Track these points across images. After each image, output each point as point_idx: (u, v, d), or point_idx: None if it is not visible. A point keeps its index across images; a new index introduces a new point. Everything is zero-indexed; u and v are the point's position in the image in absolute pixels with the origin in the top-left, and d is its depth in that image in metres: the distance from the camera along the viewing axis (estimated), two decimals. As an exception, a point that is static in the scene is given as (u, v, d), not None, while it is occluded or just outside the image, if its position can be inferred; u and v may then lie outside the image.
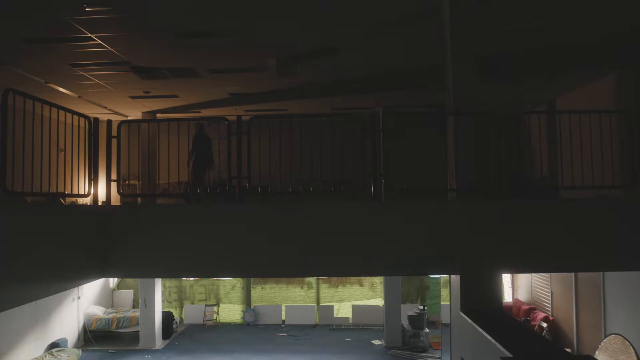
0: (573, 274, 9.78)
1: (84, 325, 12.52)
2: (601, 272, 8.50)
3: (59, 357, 10.51)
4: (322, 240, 5.53)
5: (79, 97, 10.39)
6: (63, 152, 5.25)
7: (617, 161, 6.26)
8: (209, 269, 6.02)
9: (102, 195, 6.36)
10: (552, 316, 10.85)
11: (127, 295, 14.40)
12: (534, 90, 10.32)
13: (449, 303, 6.50)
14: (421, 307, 12.45)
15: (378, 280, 14.28)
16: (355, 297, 14.48)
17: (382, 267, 5.86)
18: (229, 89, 10.16)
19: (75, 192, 5.58)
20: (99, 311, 13.00)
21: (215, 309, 14.57)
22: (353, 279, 14.40)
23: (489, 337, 4.32)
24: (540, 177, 10.28)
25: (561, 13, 6.29)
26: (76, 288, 12.01)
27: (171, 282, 14.63)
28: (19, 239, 4.21)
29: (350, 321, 14.17)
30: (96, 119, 5.80)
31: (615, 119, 6.44)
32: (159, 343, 12.37)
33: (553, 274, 10.86)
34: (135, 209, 6.50)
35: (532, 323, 11.09)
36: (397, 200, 6.23)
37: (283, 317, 14.46)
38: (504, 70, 8.76)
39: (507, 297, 13.27)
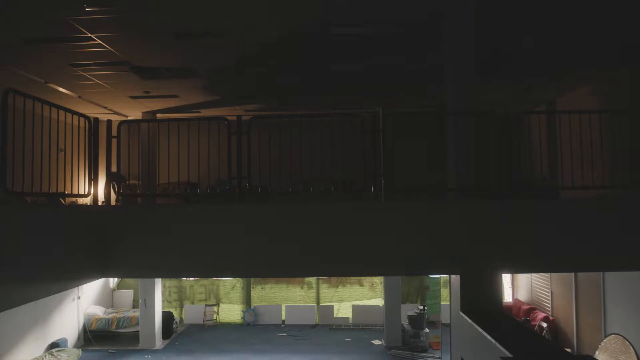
0: (573, 274, 9.78)
1: (84, 325, 12.52)
2: (601, 272, 8.51)
3: (59, 357, 10.51)
4: (322, 240, 5.53)
5: (79, 97, 10.39)
6: (63, 152, 5.25)
7: (617, 161, 6.26)
8: (209, 269, 6.02)
9: (102, 195, 6.37)
10: (552, 316, 10.85)
11: (127, 295, 14.40)
12: (534, 90, 10.32)
13: (449, 303, 6.51)
14: (421, 307, 12.44)
15: (378, 280, 14.27)
16: (355, 297, 14.48)
17: (382, 267, 5.86)
18: (229, 89, 10.15)
19: (75, 192, 5.58)
20: (99, 311, 13.00)
21: (215, 309, 14.56)
22: (353, 279, 14.40)
23: (489, 337, 4.32)
24: (540, 177, 10.28)
25: (562, 13, 6.29)
26: (76, 288, 12.01)
27: (171, 282, 14.63)
28: (18, 239, 4.20)
29: (350, 321, 14.16)
30: (96, 119, 5.80)
31: (615, 120, 6.45)
32: (159, 343, 12.37)
33: (553, 274, 10.86)
34: (135, 209, 6.50)
35: (532, 323, 11.08)
36: (397, 200, 6.23)
37: (283, 317, 14.46)
38: (504, 70, 8.76)
39: (507, 297, 13.27)
